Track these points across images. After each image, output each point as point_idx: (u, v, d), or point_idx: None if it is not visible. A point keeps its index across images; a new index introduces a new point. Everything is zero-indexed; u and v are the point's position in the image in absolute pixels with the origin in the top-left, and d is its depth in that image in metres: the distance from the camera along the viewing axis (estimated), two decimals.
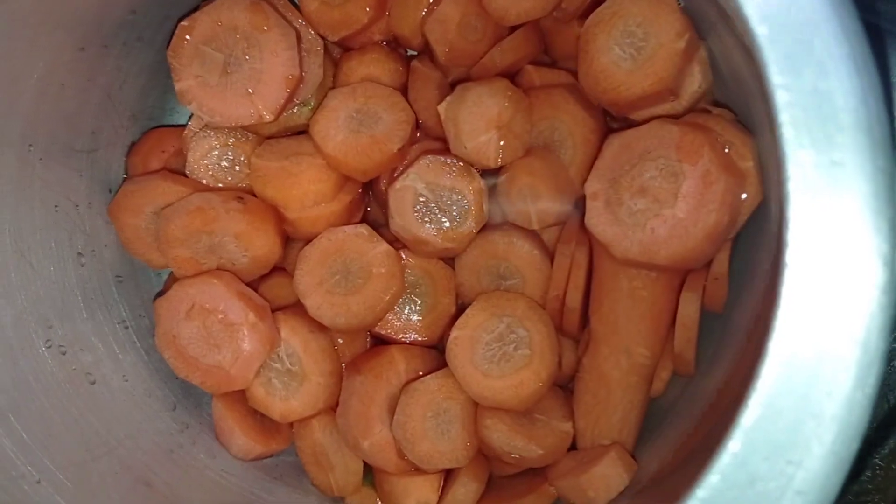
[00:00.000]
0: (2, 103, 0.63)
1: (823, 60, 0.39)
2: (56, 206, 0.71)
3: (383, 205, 0.77)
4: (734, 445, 0.40)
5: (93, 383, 0.71)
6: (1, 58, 0.61)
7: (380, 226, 0.81)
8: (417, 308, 0.77)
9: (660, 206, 0.62)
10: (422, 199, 0.73)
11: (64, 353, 0.69)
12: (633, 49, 0.65)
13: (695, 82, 0.67)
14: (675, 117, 0.67)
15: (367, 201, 0.82)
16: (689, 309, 0.66)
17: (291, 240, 0.80)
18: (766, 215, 0.61)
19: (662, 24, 0.64)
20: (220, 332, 0.73)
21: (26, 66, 0.64)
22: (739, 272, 0.66)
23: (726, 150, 0.61)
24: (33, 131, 0.67)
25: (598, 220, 0.65)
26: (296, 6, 0.77)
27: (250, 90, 0.72)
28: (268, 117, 0.73)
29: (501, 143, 0.70)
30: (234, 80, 0.72)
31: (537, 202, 0.71)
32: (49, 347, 0.68)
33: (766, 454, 0.39)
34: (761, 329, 0.41)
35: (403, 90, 0.78)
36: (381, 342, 0.79)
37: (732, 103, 0.65)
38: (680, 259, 0.61)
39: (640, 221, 0.63)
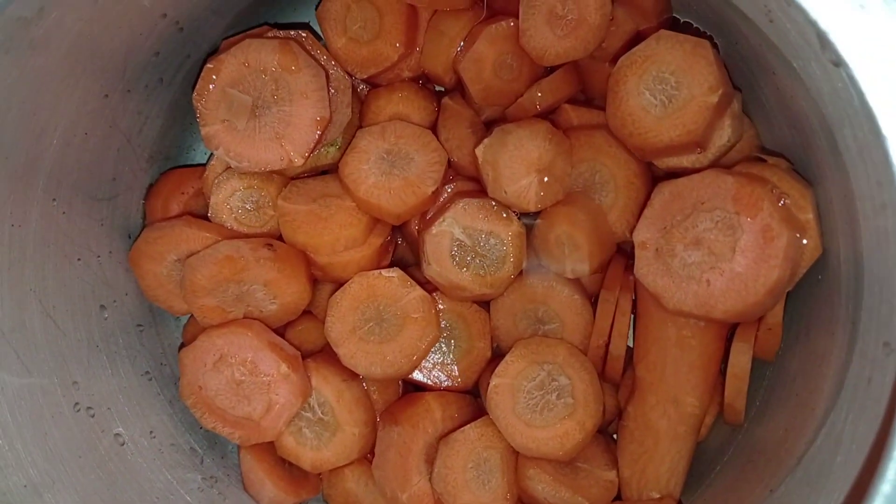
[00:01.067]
0: (28, 160, 0.60)
1: None
2: (79, 259, 0.68)
3: (414, 245, 0.75)
4: None
5: (122, 445, 0.68)
6: (29, 114, 0.57)
7: (408, 265, 0.78)
8: (452, 353, 0.75)
9: (716, 260, 0.60)
10: (458, 243, 0.71)
11: (92, 416, 0.66)
12: (664, 96, 0.64)
13: (724, 136, 0.65)
14: (698, 170, 0.66)
15: (396, 241, 0.79)
16: (740, 359, 0.65)
17: (319, 282, 0.77)
18: (826, 267, 0.60)
19: (696, 76, 0.63)
20: (251, 384, 0.71)
21: (52, 120, 0.61)
22: (792, 322, 0.65)
23: (784, 203, 0.59)
24: (56, 185, 0.64)
25: (649, 271, 0.64)
26: (321, 42, 0.74)
27: (280, 134, 0.70)
28: (297, 161, 0.70)
29: (542, 186, 0.69)
30: (262, 124, 0.70)
31: (574, 252, 0.69)
32: (77, 411, 0.65)
33: None
34: (884, 428, 0.39)
35: (433, 128, 0.75)
36: (413, 387, 0.77)
37: (787, 149, 0.64)
38: (738, 314, 0.60)
39: (694, 274, 0.61)
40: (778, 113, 0.63)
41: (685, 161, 0.67)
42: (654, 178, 0.70)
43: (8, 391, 0.59)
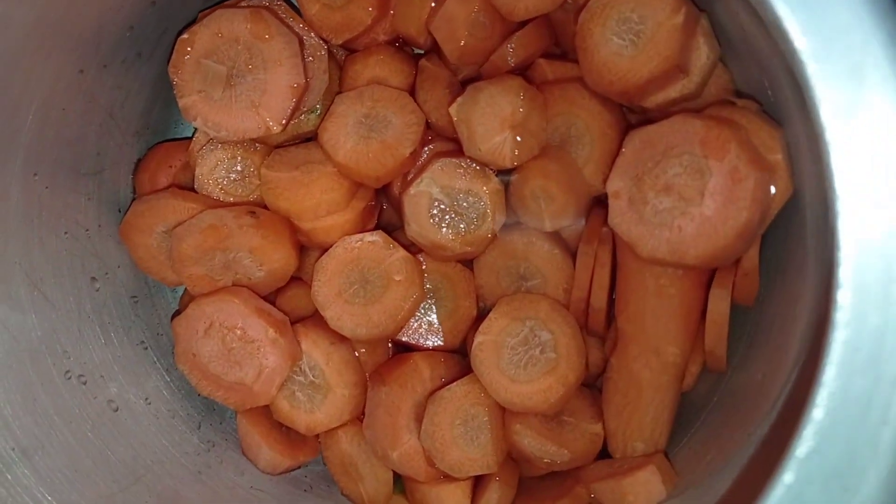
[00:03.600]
0: (3, 135, 0.61)
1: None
2: (66, 233, 0.70)
3: (397, 208, 0.75)
4: (788, 477, 0.39)
5: (116, 411, 0.70)
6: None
7: (395, 229, 0.79)
8: (438, 312, 0.76)
9: (686, 205, 0.60)
10: (437, 203, 0.71)
11: (85, 383, 0.68)
12: (632, 35, 0.63)
13: (702, 55, 0.64)
14: (692, 98, 0.66)
15: (381, 204, 0.80)
16: (719, 306, 0.64)
17: (307, 249, 0.78)
18: (797, 206, 0.59)
19: (656, 4, 0.62)
20: (241, 350, 0.72)
21: (25, 96, 0.62)
22: (769, 265, 0.64)
23: (753, 144, 0.59)
24: (37, 159, 0.65)
25: (623, 220, 0.63)
26: (296, 10, 0.75)
27: (256, 102, 0.70)
28: (275, 128, 0.71)
29: (517, 142, 0.68)
30: (238, 93, 0.70)
31: (550, 205, 0.69)
32: (68, 378, 0.67)
33: (821, 485, 0.38)
34: (809, 347, 0.39)
35: (412, 91, 0.76)
36: (402, 349, 0.78)
37: (756, 91, 0.63)
38: (710, 258, 0.60)
39: (666, 220, 0.61)
40: (746, 55, 0.62)
41: (673, 93, 0.66)
42: (629, 129, 0.69)
43: None
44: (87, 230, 0.73)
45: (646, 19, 0.63)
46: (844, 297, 0.39)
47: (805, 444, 0.38)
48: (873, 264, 0.40)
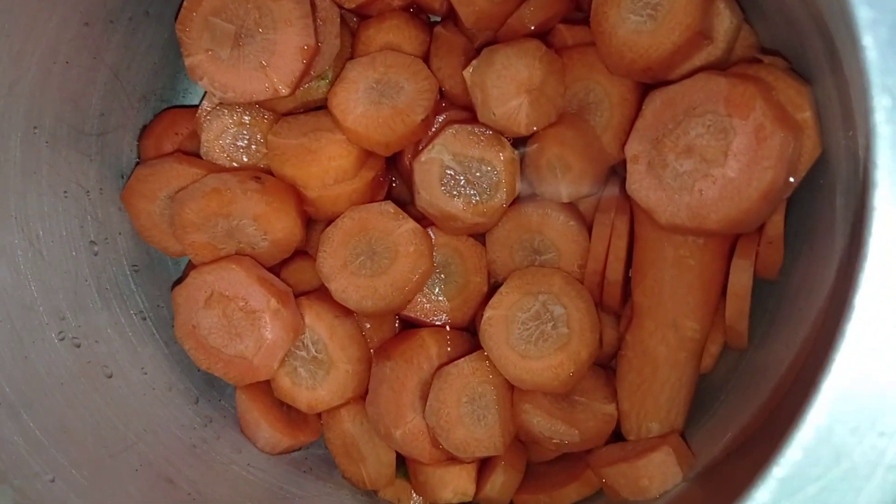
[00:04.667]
0: (3, 83, 0.59)
1: None
2: (66, 193, 0.68)
3: (408, 180, 0.73)
4: (817, 417, 0.35)
5: (109, 377, 0.67)
6: (1, 35, 0.57)
7: (405, 203, 0.76)
8: (447, 288, 0.73)
9: (708, 166, 0.57)
10: (449, 171, 0.68)
11: (78, 346, 0.66)
12: (649, 10, 0.61)
13: (725, 19, 0.62)
14: (718, 66, 0.63)
15: (392, 177, 0.77)
16: (741, 277, 0.61)
17: (313, 221, 0.76)
18: (826, 170, 0.56)
19: None
20: (242, 321, 0.70)
21: (28, 43, 0.60)
22: (795, 234, 0.61)
23: (780, 101, 0.56)
24: (38, 112, 0.64)
25: (641, 185, 0.61)
26: None
27: (264, 62, 0.68)
28: (283, 91, 0.69)
29: (533, 107, 0.66)
30: (246, 53, 0.68)
31: (567, 174, 0.67)
32: (62, 340, 0.64)
33: (853, 426, 0.35)
34: (836, 309, 0.36)
35: (426, 58, 0.73)
36: (410, 326, 0.75)
37: (785, 49, 0.60)
38: (732, 223, 0.56)
39: (686, 184, 0.58)
40: (774, 12, 0.59)
41: (699, 61, 0.63)
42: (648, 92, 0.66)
43: None
44: (88, 193, 0.71)
45: None
46: (875, 252, 0.35)
47: (836, 379, 0.35)
48: None
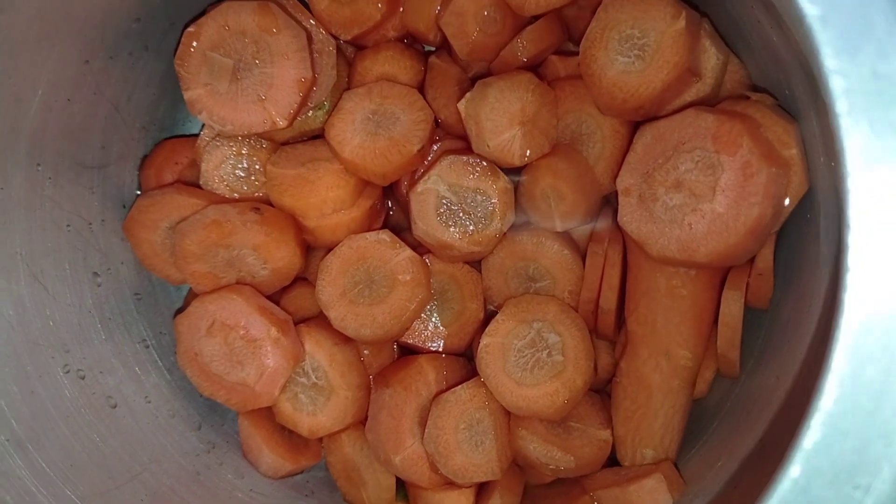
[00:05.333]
0: (6, 123, 0.61)
1: (883, 39, 0.35)
2: (68, 226, 0.69)
3: (405, 208, 0.74)
4: (795, 470, 0.36)
5: (114, 407, 0.69)
6: (3, 76, 0.58)
7: (402, 230, 0.78)
8: (444, 314, 0.74)
9: (697, 201, 0.58)
10: (445, 201, 0.69)
11: (83, 378, 0.67)
12: (636, 50, 0.62)
13: (711, 56, 0.63)
14: (707, 101, 0.64)
15: (389, 205, 0.79)
16: (732, 308, 0.62)
17: (313, 248, 0.77)
18: (813, 204, 0.57)
19: (655, 15, 0.62)
20: (243, 349, 0.71)
21: (30, 83, 0.61)
22: (785, 265, 0.62)
23: (767, 138, 0.57)
24: (40, 150, 0.65)
25: (632, 218, 0.62)
26: (306, 6, 0.74)
27: (262, 96, 0.69)
28: (281, 123, 0.70)
29: (526, 139, 0.67)
30: (244, 87, 0.70)
31: (561, 204, 0.68)
32: (67, 373, 0.66)
33: (830, 479, 0.36)
34: (821, 342, 0.37)
35: (422, 88, 0.75)
36: (407, 352, 0.76)
37: (772, 85, 0.61)
38: (721, 256, 0.58)
39: (676, 218, 0.59)
40: (761, 49, 0.60)
41: (689, 98, 0.64)
42: (639, 126, 0.67)
43: None
44: (91, 224, 0.72)
45: (647, 32, 0.62)
46: (854, 281, 0.37)
47: (812, 435, 0.36)
48: (886, 251, 0.37)
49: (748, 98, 0.61)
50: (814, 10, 0.36)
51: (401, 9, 0.74)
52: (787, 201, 0.58)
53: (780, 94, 0.60)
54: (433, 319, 0.74)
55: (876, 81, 0.35)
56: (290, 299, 0.77)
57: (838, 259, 0.50)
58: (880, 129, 0.36)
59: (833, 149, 0.48)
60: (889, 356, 0.35)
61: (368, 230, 0.74)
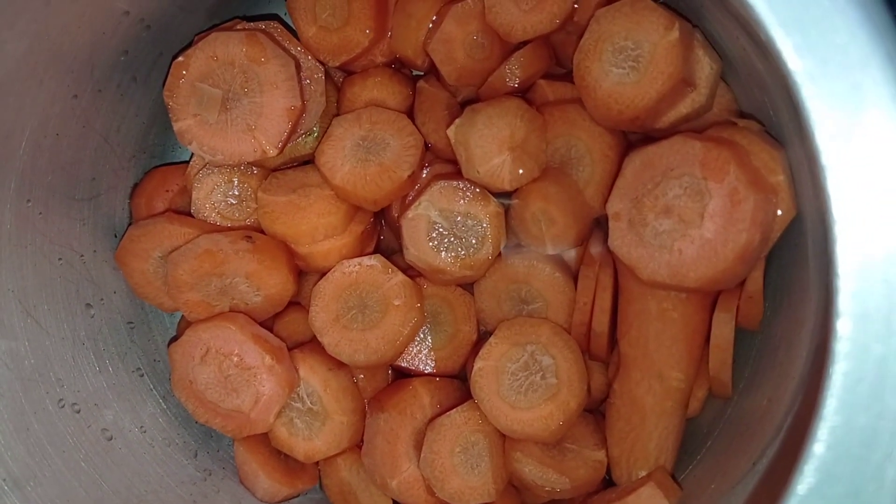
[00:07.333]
0: None
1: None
2: (60, 259, 0.69)
3: (396, 232, 0.75)
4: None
5: (110, 439, 0.69)
6: None
7: (394, 252, 0.78)
8: (437, 337, 0.75)
9: (686, 227, 0.58)
10: (436, 226, 0.70)
11: (78, 412, 0.67)
12: (630, 61, 0.63)
13: (705, 66, 0.64)
14: (703, 112, 0.64)
15: (380, 229, 0.79)
16: (723, 330, 0.63)
17: (306, 273, 0.77)
18: (801, 229, 0.58)
19: (647, 26, 0.62)
20: (237, 376, 0.71)
21: (19, 121, 0.61)
22: (775, 288, 0.63)
23: (754, 165, 0.57)
24: (30, 186, 0.65)
25: (623, 242, 0.62)
26: (293, 33, 0.74)
27: (252, 125, 0.70)
28: (271, 152, 0.70)
29: (515, 165, 0.67)
30: (234, 117, 0.70)
31: (551, 228, 0.68)
32: (62, 407, 0.66)
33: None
34: (811, 367, 0.38)
35: (411, 113, 0.75)
36: (401, 374, 0.76)
37: (759, 112, 0.62)
38: (711, 281, 0.58)
39: (666, 243, 0.59)
40: (747, 76, 0.61)
41: (684, 108, 0.65)
42: (630, 150, 0.68)
43: None
44: (82, 256, 0.72)
45: (641, 43, 0.62)
46: (844, 328, 0.37)
47: (806, 480, 0.36)
48: (874, 291, 0.38)
49: (735, 124, 0.61)
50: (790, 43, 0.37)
51: (388, 34, 0.75)
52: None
53: (767, 119, 0.60)
54: (426, 342, 0.75)
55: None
56: (284, 324, 0.77)
57: (828, 286, 0.51)
58: (863, 153, 0.37)
59: (816, 174, 0.49)
60: (879, 403, 0.35)
61: (361, 255, 0.74)
